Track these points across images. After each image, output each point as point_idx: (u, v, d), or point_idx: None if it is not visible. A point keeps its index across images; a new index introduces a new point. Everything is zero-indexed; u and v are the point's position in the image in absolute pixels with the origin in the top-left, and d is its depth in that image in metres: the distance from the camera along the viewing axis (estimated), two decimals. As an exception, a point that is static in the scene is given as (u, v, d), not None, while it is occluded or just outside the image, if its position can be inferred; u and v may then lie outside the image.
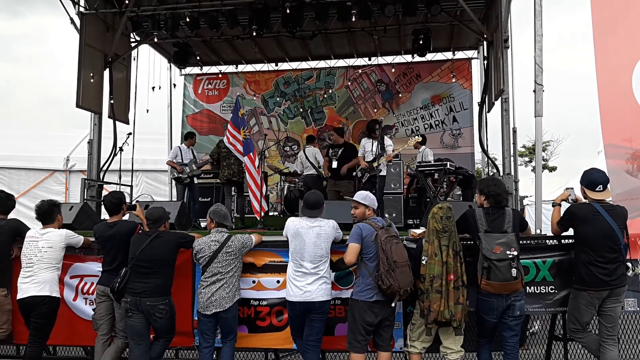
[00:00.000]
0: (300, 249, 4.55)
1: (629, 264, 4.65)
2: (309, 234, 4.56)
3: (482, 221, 4.39)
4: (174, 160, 9.32)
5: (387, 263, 4.26)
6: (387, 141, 7.95)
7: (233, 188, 8.84)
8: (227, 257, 4.66)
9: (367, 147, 7.84)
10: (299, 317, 4.57)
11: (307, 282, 4.48)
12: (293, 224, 4.67)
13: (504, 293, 4.26)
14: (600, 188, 4.50)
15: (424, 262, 4.40)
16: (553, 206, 4.81)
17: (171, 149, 12.24)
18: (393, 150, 7.75)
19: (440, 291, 4.27)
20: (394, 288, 4.24)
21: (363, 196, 4.64)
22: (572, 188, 4.85)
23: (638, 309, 4.88)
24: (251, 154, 7.16)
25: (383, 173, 7.72)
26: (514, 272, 4.20)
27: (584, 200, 4.64)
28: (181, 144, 9.84)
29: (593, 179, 4.54)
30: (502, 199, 4.47)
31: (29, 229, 5.09)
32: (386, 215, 8.59)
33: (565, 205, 4.75)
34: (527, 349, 5.51)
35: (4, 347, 6.10)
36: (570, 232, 4.67)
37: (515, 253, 4.24)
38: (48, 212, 5.04)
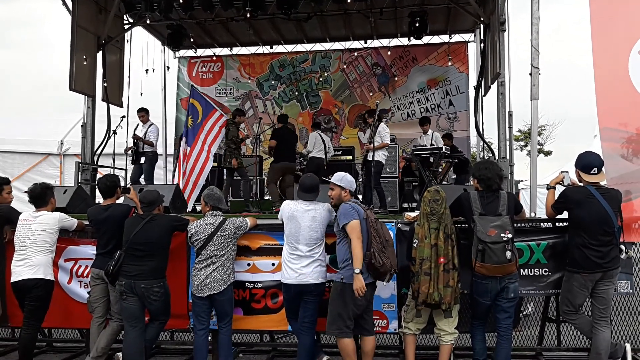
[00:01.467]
0: (296, 232, 4.55)
1: (622, 247, 4.69)
2: (304, 217, 4.57)
3: (476, 204, 4.39)
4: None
5: (380, 242, 4.28)
6: (383, 129, 7.99)
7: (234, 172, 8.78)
8: (222, 240, 4.66)
9: (361, 137, 8.11)
10: (294, 300, 4.60)
11: (302, 265, 4.49)
12: (288, 207, 4.67)
13: (498, 275, 4.27)
14: (595, 171, 4.51)
15: (415, 245, 4.43)
16: (548, 189, 4.81)
17: (165, 132, 12.22)
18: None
19: (429, 273, 4.30)
20: (386, 267, 4.26)
21: (339, 177, 4.60)
22: (567, 171, 4.85)
23: (630, 291, 4.92)
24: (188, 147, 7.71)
25: (377, 159, 7.74)
26: (508, 254, 4.21)
27: (579, 184, 4.64)
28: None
29: (588, 162, 4.53)
30: (493, 183, 4.46)
31: (20, 213, 5.06)
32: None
33: (559, 189, 4.76)
34: (520, 330, 5.57)
35: None
36: (565, 215, 4.69)
37: (510, 236, 4.25)
38: (41, 196, 5.01)
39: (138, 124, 9.80)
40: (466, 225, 4.61)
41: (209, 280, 4.60)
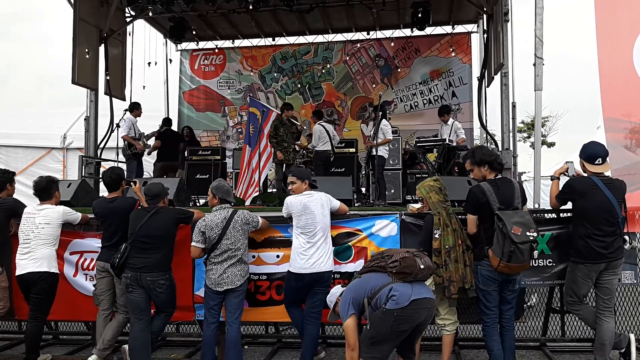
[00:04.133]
0: (312, 221, 4.60)
1: (626, 237, 4.69)
2: (316, 206, 4.64)
3: (493, 197, 4.20)
4: (129, 135, 9.33)
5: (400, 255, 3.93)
6: (385, 126, 7.99)
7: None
8: (236, 233, 4.64)
9: (364, 129, 8.19)
10: (304, 289, 4.62)
11: (318, 254, 4.55)
12: (297, 200, 4.68)
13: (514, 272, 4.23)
14: (599, 161, 4.48)
15: (437, 235, 4.34)
16: (552, 180, 4.80)
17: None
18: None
19: (457, 260, 4.29)
20: (426, 267, 3.90)
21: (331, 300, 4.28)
22: (571, 162, 4.83)
23: (634, 281, 4.93)
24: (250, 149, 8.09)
25: (379, 153, 7.80)
26: (535, 254, 4.13)
27: (583, 174, 4.63)
28: (130, 114, 9.50)
29: (592, 152, 4.50)
30: (495, 163, 4.38)
31: (25, 206, 5.08)
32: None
33: (564, 179, 4.74)
34: (525, 321, 5.57)
35: (6, 323, 6.16)
36: (569, 205, 4.68)
37: (535, 235, 4.07)
38: (46, 189, 5.03)
39: (134, 122, 9.53)
40: (464, 216, 4.53)
41: (227, 274, 4.57)
